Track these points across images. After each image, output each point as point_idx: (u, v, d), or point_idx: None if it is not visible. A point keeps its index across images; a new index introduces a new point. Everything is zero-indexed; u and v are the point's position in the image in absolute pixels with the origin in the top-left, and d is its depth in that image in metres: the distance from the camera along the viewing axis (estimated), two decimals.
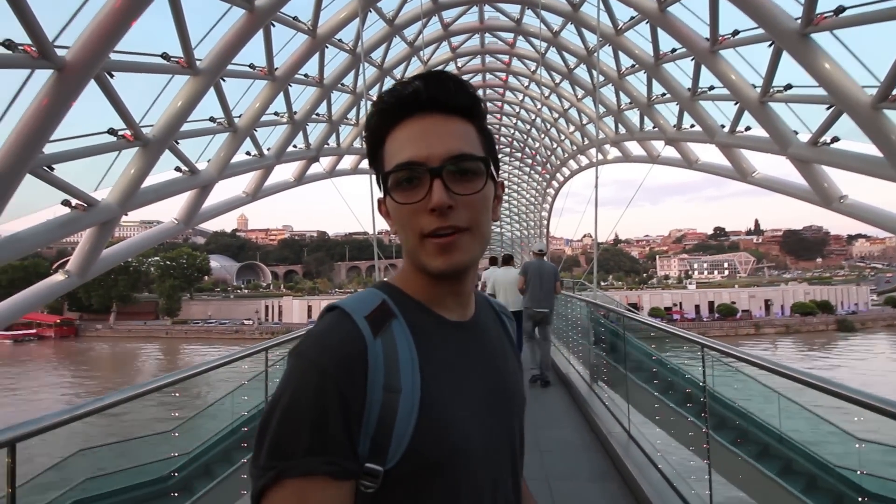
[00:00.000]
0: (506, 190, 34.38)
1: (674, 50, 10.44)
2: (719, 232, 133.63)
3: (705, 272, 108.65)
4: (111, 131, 6.45)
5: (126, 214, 6.93)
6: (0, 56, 5.00)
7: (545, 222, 31.56)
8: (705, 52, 9.24)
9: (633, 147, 15.62)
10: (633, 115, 14.07)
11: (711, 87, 10.38)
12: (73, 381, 36.94)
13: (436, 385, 0.64)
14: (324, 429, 0.57)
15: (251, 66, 9.15)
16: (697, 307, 62.31)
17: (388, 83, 15.04)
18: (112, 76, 6.01)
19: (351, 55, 11.34)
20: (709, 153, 12.53)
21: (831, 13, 6.56)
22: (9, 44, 5.01)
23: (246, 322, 62.36)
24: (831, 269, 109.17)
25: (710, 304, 62.78)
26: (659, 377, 4.23)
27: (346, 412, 0.58)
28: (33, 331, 55.97)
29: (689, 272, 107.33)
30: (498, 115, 23.79)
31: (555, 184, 27.46)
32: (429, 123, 0.66)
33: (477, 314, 0.77)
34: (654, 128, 13.27)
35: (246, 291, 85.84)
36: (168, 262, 66.80)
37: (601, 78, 13.03)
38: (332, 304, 0.67)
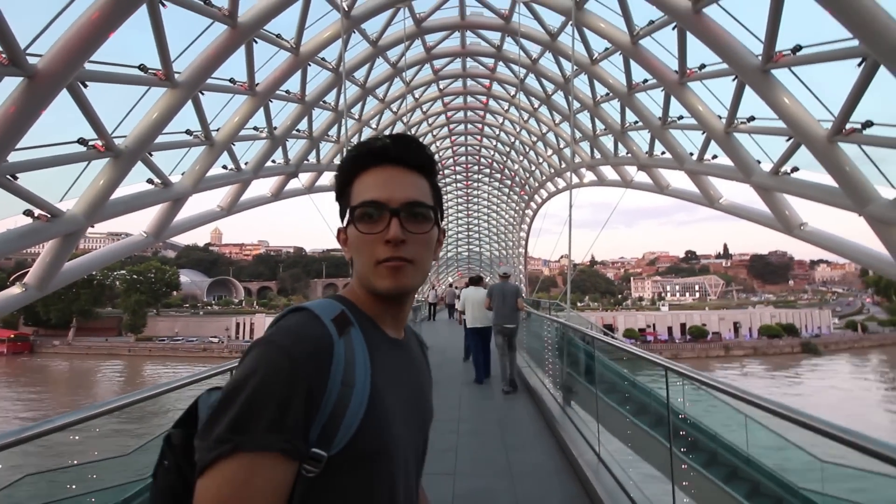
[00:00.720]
0: (486, 211, 34.92)
1: (645, 80, 10.91)
2: (690, 255, 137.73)
3: (678, 294, 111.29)
4: (81, 141, 6.29)
5: (92, 226, 6.71)
6: None
7: (523, 242, 31.93)
8: (674, 83, 9.68)
9: (608, 171, 16.09)
10: (608, 141, 14.53)
11: (681, 117, 10.84)
12: (26, 400, 34.84)
13: (380, 387, 0.75)
14: (286, 410, 0.64)
15: (231, 80, 9.11)
16: (670, 329, 63.55)
17: (371, 102, 15.20)
18: (86, 86, 5.89)
19: (334, 74, 11.42)
20: (679, 179, 13.01)
21: (789, 51, 7.00)
22: None
23: (213, 340, 60.40)
24: (796, 292, 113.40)
25: (682, 325, 64.14)
26: (631, 399, 4.28)
27: (309, 399, 0.66)
28: None
29: (663, 294, 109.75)
30: (479, 137, 24.22)
31: (533, 205, 27.93)
32: (392, 173, 0.82)
33: (407, 337, 0.91)
34: (627, 153, 13.72)
35: (217, 308, 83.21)
36: (135, 276, 64.30)
37: (577, 104, 13.48)
38: (299, 306, 0.76)
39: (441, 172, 28.35)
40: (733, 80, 8.38)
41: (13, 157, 5.54)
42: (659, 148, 12.23)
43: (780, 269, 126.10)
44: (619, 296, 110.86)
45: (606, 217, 14.93)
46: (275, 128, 10.96)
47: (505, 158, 25.31)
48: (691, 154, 11.26)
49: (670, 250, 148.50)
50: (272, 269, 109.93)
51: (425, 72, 16.21)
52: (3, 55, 4.98)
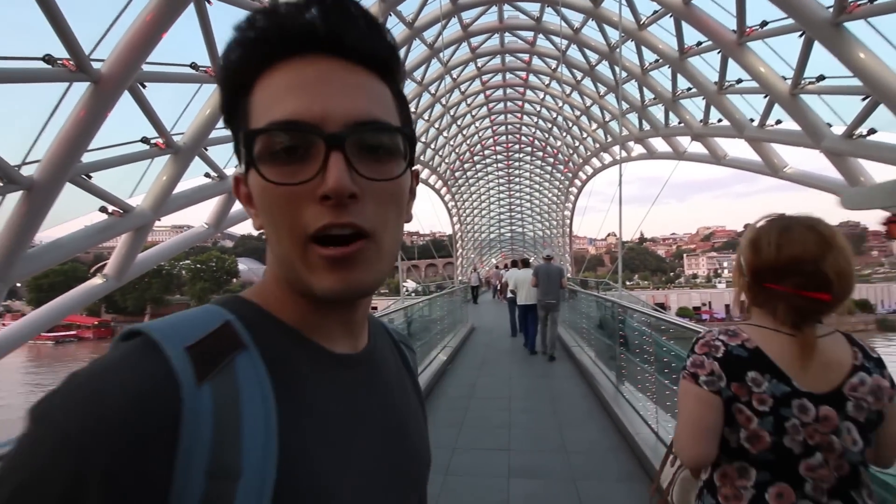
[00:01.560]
0: (528, 190, 34.23)
1: (699, 43, 10.19)
2: None
3: None
4: (144, 140, 6.71)
5: (159, 220, 7.19)
6: (41, 71, 5.26)
7: (568, 221, 31.19)
8: (732, 44, 8.98)
9: (658, 143, 15.30)
10: (658, 111, 13.78)
11: (739, 81, 10.07)
12: None
13: (305, 457, 0.42)
14: None
15: None
16: (727, 306, 60.41)
17: (409, 86, 15.16)
18: (144, 87, 6.25)
19: None
20: (738, 148, 12.18)
21: (865, 0, 6.29)
22: (49, 59, 5.26)
23: None
24: (871, 266, 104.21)
25: (742, 303, 60.77)
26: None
27: None
28: (73, 332, 58.46)
29: (719, 271, 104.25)
30: (518, 115, 23.67)
31: (577, 182, 27.11)
32: (326, 69, 0.44)
33: (371, 344, 0.55)
34: (679, 123, 12.97)
35: None
36: (198, 266, 68.92)
37: (623, 74, 12.82)
38: (133, 328, 0.40)
39: (482, 153, 28.04)
40: (800, 36, 7.65)
41: (86, 158, 6.00)
42: (715, 115, 11.47)
43: (852, 241, 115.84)
44: (671, 273, 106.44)
45: (655, 192, 14.32)
46: None
47: (547, 135, 24.61)
48: (752, 120, 10.47)
49: (727, 224, 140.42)
50: None
51: (462, 50, 15.94)
52: (71, 62, 5.36)
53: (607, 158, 21.20)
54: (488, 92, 20.52)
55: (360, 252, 0.44)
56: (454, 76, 17.16)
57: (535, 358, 7.79)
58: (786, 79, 8.51)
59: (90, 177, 6.04)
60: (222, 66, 0.47)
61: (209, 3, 6.44)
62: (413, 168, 0.51)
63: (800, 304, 1.05)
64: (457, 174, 27.88)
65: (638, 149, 16.44)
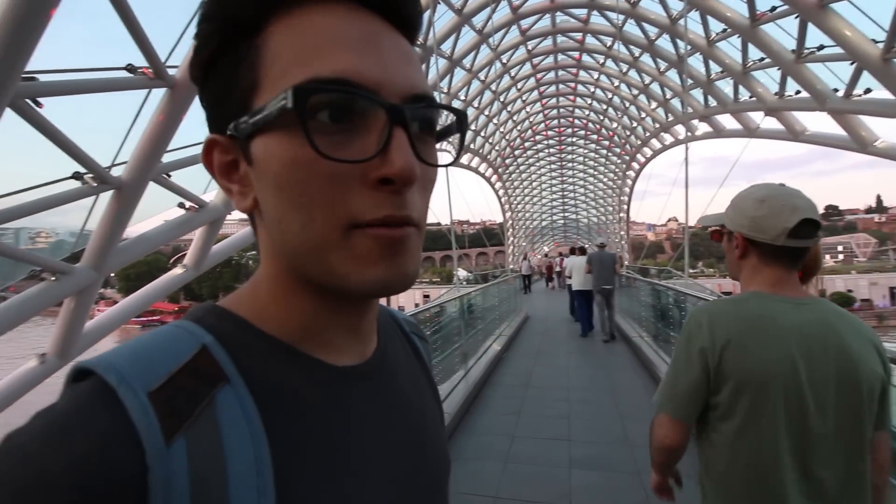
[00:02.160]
0: (581, 175, 33.13)
1: (773, 8, 9.33)
2: (832, 211, 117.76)
3: None
4: None
5: (230, 213, 7.69)
6: (124, 80, 5.75)
7: (625, 207, 29.93)
8: (812, 7, 8.15)
9: (726, 120, 14.25)
10: (726, 86, 12.82)
11: (821, 47, 9.14)
12: None
13: (308, 495, 0.35)
14: None
15: None
16: None
17: (458, 74, 15.06)
18: None
19: (422, 49, 11.50)
20: (819, 122, 11.09)
21: None
22: (131, 68, 5.73)
23: None
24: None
25: (821, 292, 55.88)
26: None
27: None
28: (157, 317, 64.10)
29: None
30: (571, 97, 22.91)
31: (635, 165, 25.88)
32: (374, 27, 0.36)
33: (382, 345, 0.47)
34: (750, 97, 12.00)
35: None
36: None
37: (687, 47, 12.01)
38: (83, 366, 0.32)
39: (533, 138, 27.44)
40: None
41: (165, 158, 6.50)
42: (792, 87, 10.50)
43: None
44: None
45: (721, 172, 13.42)
46: None
47: (601, 117, 23.64)
48: (836, 90, 9.48)
49: None
50: None
51: (512, 34, 15.59)
52: (149, 70, 5.80)
53: (668, 139, 20.04)
54: (539, 75, 19.98)
55: (409, 238, 0.37)
56: (504, 61, 16.84)
57: (592, 348, 7.62)
58: (877, 42, 7.61)
59: (169, 175, 6.55)
60: None
61: None
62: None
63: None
64: (507, 161, 27.50)
65: (703, 127, 15.40)
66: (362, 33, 0.35)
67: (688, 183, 8.16)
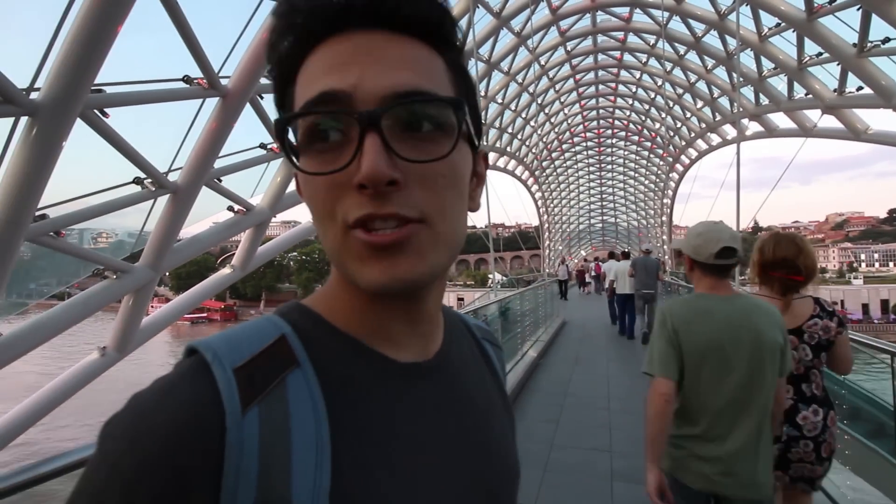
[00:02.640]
0: (621, 178, 32.24)
1: (832, 1, 8.78)
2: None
3: (876, 264, 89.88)
4: (262, 146, 7.47)
5: (275, 216, 7.98)
6: (181, 90, 6.09)
7: (667, 210, 28.90)
8: None
9: (780, 119, 13.53)
10: (779, 83, 12.17)
11: (887, 40, 8.53)
12: None
13: (363, 482, 0.38)
14: None
15: None
16: (865, 306, 51.81)
17: (497, 77, 15.03)
18: (262, 98, 6.94)
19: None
20: (883, 120, 10.33)
21: None
22: (187, 79, 6.06)
23: None
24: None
25: (884, 302, 51.77)
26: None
27: None
28: (204, 314, 67.27)
29: (855, 264, 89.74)
30: (612, 98, 22.39)
31: (679, 167, 24.98)
32: (364, 42, 0.39)
33: (446, 346, 0.49)
34: (806, 95, 11.35)
35: None
36: (304, 257, 76.61)
37: (738, 44, 11.48)
38: (192, 345, 0.39)
39: (571, 140, 26.97)
40: None
41: (217, 164, 6.83)
42: (853, 82, 9.84)
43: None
44: None
45: (771, 174, 12.76)
46: None
47: (643, 118, 22.97)
48: None
49: (866, 210, 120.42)
50: None
51: (551, 35, 15.43)
52: (204, 80, 6.12)
53: (715, 139, 19.22)
54: (578, 76, 19.65)
55: (411, 238, 0.38)
56: (542, 63, 16.68)
57: (633, 356, 7.39)
58: None
59: (221, 180, 6.88)
60: (273, 58, 0.42)
61: None
62: (479, 150, 0.46)
63: (786, 283, 1.92)
64: (544, 163, 27.16)
65: (754, 127, 14.69)
66: (347, 54, 0.38)
67: (739, 185, 7.78)
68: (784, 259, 1.94)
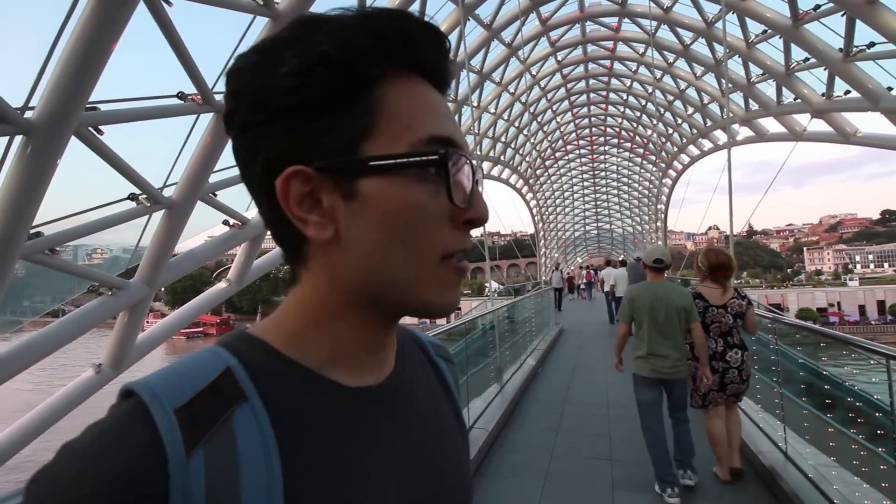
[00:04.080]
0: (615, 185, 32.45)
1: (817, 7, 8.97)
2: (889, 216, 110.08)
3: (871, 265, 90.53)
4: None
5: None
6: (175, 106, 6.11)
7: (661, 216, 29.06)
8: (860, 3, 7.81)
9: (770, 124, 13.70)
10: (768, 88, 12.35)
11: (871, 44, 8.70)
12: None
13: (321, 498, 0.38)
14: None
15: None
16: (862, 307, 52.04)
17: (489, 87, 15.17)
18: None
19: (452, 65, 11.67)
20: (872, 122, 10.50)
21: None
22: (181, 95, 6.09)
23: None
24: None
25: (880, 303, 52.01)
26: (833, 401, 3.57)
27: None
28: (200, 329, 66.81)
29: (850, 266, 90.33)
30: (603, 106, 22.63)
31: (672, 173, 25.19)
32: (443, 102, 0.45)
33: (399, 367, 0.50)
34: (795, 100, 11.51)
35: None
36: None
37: (725, 50, 11.67)
38: (129, 386, 0.37)
39: (564, 148, 27.18)
40: None
41: (212, 179, 6.84)
42: (841, 86, 10.00)
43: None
44: (789, 270, 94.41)
45: (764, 178, 12.92)
46: None
47: (635, 125, 23.21)
48: (890, 89, 8.97)
49: (858, 212, 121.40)
50: None
51: (542, 45, 15.62)
52: (198, 96, 6.15)
53: (707, 145, 19.43)
54: (570, 85, 19.87)
55: None
56: (533, 73, 16.87)
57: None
58: None
59: (216, 194, 6.88)
60: (338, 43, 0.40)
61: None
62: None
63: (723, 277, 3.42)
64: (538, 172, 27.33)
65: (744, 131, 14.86)
66: (444, 107, 0.45)
67: (731, 189, 7.85)
68: (721, 264, 3.45)
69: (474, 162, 0.44)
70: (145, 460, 0.33)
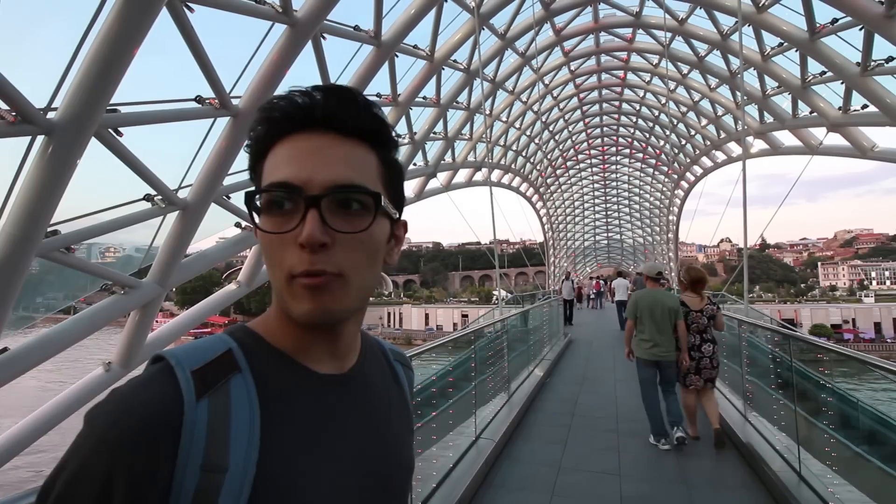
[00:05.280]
0: (626, 195, 32.26)
1: (835, 21, 8.88)
2: None
3: (887, 282, 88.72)
4: None
5: None
6: (193, 110, 6.21)
7: (673, 227, 28.81)
8: (879, 17, 7.71)
9: (785, 137, 13.56)
10: (783, 101, 12.24)
11: (890, 59, 8.59)
12: None
13: (283, 457, 0.52)
14: None
15: (378, 95, 10.01)
16: (878, 325, 50.89)
17: (501, 96, 15.22)
18: None
19: (465, 73, 11.74)
20: (890, 137, 10.36)
21: None
22: (199, 99, 6.19)
23: (370, 327, 67.59)
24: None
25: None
26: (849, 421, 3.49)
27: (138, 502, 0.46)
28: (208, 330, 66.99)
29: (865, 282, 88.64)
30: (616, 116, 22.57)
31: (684, 184, 24.99)
32: (319, 143, 0.55)
33: (360, 363, 0.64)
34: (811, 113, 11.38)
35: (371, 299, 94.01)
36: None
37: (741, 63, 11.59)
38: (159, 354, 0.53)
39: (575, 158, 27.11)
40: None
41: (226, 181, 6.92)
42: (858, 101, 9.88)
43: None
44: (802, 285, 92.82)
45: (778, 191, 12.81)
46: (415, 133, 11.72)
47: (647, 136, 23.11)
48: None
49: (875, 227, 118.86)
50: (414, 263, 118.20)
51: (555, 55, 15.64)
52: (215, 100, 6.24)
53: (720, 157, 19.27)
54: (582, 95, 19.85)
55: (327, 284, 0.53)
56: (546, 82, 16.88)
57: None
58: None
59: (229, 197, 6.96)
60: (250, 137, 0.58)
61: (323, 38, 7.12)
62: (400, 220, 0.64)
63: (697, 289, 4.67)
64: (548, 181, 27.27)
65: (758, 144, 14.72)
66: (306, 150, 0.55)
67: (746, 202, 7.76)
68: (699, 279, 4.70)
69: (311, 194, 0.53)
70: (170, 400, 0.49)
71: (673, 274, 23.94)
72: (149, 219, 6.21)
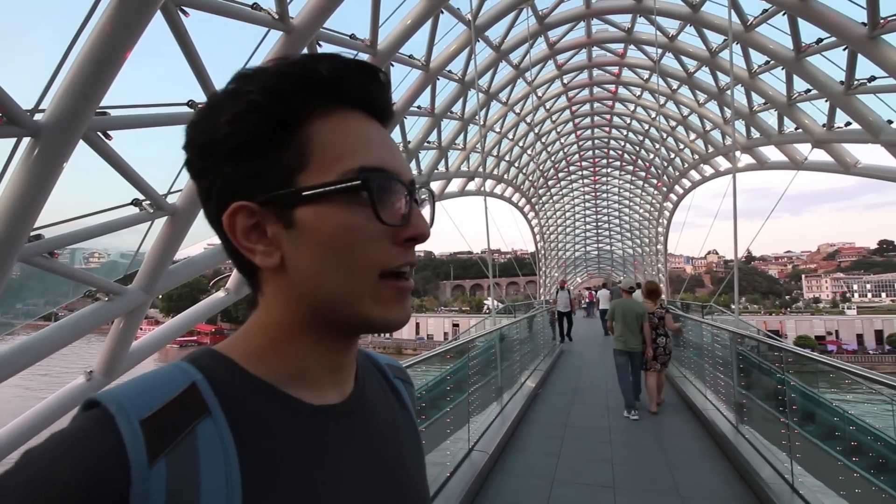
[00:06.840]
0: (616, 207, 32.64)
1: (819, 40, 9.13)
2: (886, 245, 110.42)
3: (869, 294, 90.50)
4: None
5: None
6: (186, 114, 6.14)
7: (662, 239, 29.12)
8: (862, 38, 7.94)
9: (771, 152, 13.83)
10: (770, 117, 12.50)
11: (872, 78, 8.84)
12: None
13: None
14: None
15: None
16: (860, 336, 51.80)
17: (495, 107, 15.34)
18: None
19: (460, 84, 11.82)
20: (871, 154, 10.62)
21: None
22: (192, 104, 6.13)
23: None
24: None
25: (878, 333, 51.80)
26: (842, 435, 3.50)
27: None
28: (194, 338, 66.12)
29: (848, 294, 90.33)
30: (607, 129, 22.87)
31: (673, 197, 25.32)
32: (381, 131, 0.49)
33: (359, 387, 0.52)
34: (796, 129, 11.64)
35: None
36: None
37: (728, 80, 11.86)
38: (92, 398, 0.38)
39: (566, 169, 27.38)
40: None
41: None
42: (842, 118, 10.12)
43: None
44: (787, 297, 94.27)
45: (764, 204, 12.98)
46: (409, 142, 11.73)
47: (637, 149, 23.42)
48: (890, 122, 9.09)
49: (856, 241, 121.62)
50: None
51: (548, 68, 15.84)
52: None
53: (708, 171, 19.58)
54: (574, 107, 20.10)
55: (411, 288, 0.49)
56: (539, 94, 17.06)
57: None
58: None
59: None
60: (264, 90, 0.44)
61: (319, 45, 7.13)
62: None
63: (652, 297, 6.40)
64: (540, 191, 27.46)
65: (745, 159, 14.98)
66: (382, 136, 0.48)
67: (736, 215, 7.87)
68: (652, 290, 6.42)
69: (415, 183, 0.48)
70: (107, 466, 0.34)
71: (662, 286, 24.13)
72: (137, 224, 6.10)
